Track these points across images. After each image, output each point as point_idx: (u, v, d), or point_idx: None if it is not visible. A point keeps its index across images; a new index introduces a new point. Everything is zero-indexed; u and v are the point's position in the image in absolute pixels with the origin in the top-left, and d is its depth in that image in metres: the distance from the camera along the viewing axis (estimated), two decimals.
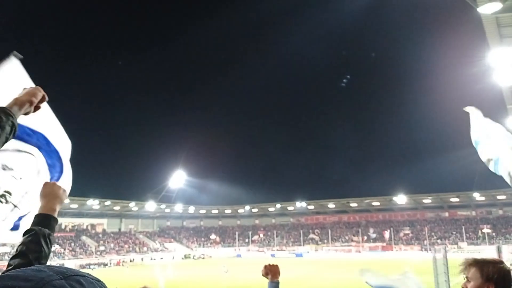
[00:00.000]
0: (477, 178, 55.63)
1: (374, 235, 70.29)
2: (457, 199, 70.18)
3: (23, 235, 1.46)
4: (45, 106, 1.89)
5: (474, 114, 5.03)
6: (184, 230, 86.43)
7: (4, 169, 2.18)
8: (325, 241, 72.95)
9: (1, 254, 47.94)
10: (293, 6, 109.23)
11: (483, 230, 63.11)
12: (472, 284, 2.00)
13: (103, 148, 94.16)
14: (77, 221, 68.78)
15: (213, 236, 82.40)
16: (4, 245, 52.57)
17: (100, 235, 69.55)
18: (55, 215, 1.59)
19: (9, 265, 1.35)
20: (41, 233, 1.45)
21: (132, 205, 72.94)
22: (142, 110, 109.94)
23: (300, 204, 78.95)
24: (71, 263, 50.53)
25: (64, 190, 1.71)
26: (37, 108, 1.64)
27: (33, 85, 2.09)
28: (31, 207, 2.25)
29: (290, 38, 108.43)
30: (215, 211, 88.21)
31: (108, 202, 68.78)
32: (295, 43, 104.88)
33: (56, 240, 43.03)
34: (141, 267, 53.52)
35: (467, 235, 64.18)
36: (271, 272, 2.73)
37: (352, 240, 71.52)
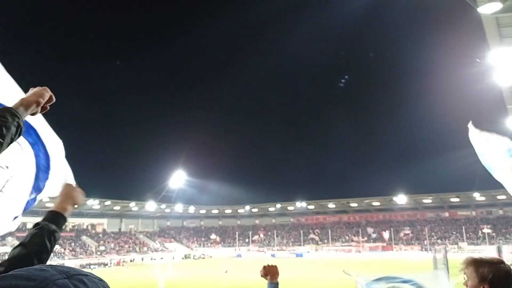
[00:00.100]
0: (477, 178, 55.59)
1: (374, 235, 70.28)
2: (457, 199, 70.20)
3: (32, 228, 1.50)
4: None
5: (473, 133, 5.01)
6: (184, 230, 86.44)
7: None
8: (325, 241, 72.95)
9: (1, 254, 48.07)
10: (293, 6, 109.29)
11: (483, 230, 63.12)
12: (470, 283, 2.03)
13: (103, 148, 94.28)
14: (77, 221, 68.82)
15: (213, 236, 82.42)
16: (4, 245, 52.68)
17: (100, 235, 69.58)
18: (66, 214, 1.64)
19: (9, 255, 1.37)
20: (46, 228, 1.48)
21: (132, 205, 72.97)
22: (142, 110, 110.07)
23: (300, 204, 78.97)
24: (71, 263, 50.53)
25: (80, 192, 1.76)
26: (44, 108, 1.62)
27: (16, 85, 2.07)
28: (18, 190, 2.21)
29: (290, 38, 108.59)
30: (215, 211, 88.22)
31: (108, 202, 68.82)
32: (295, 43, 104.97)
33: None
34: (141, 267, 53.54)
35: (467, 235, 64.19)
36: (270, 272, 2.71)
37: (352, 240, 71.51)
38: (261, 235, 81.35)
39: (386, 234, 67.93)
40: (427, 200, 72.76)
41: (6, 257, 1.39)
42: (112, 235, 71.18)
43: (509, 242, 53.89)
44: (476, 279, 1.99)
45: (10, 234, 56.58)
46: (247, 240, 79.63)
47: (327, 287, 31.05)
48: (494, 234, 61.98)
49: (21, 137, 2.28)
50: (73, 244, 61.71)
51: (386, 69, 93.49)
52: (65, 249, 58.32)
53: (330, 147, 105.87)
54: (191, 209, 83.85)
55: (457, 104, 62.07)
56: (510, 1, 10.79)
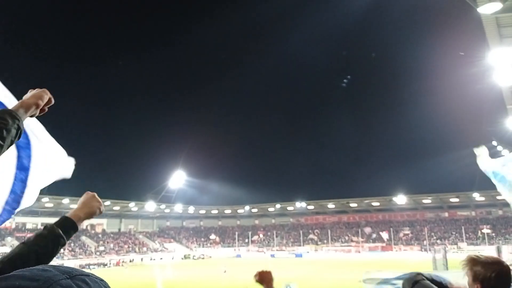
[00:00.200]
0: (477, 179, 55.60)
1: (374, 235, 70.29)
2: (457, 199, 70.21)
3: (40, 229, 1.50)
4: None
5: (481, 155, 4.99)
6: (184, 230, 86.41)
7: None
8: (325, 241, 72.95)
9: (1, 254, 48.01)
10: (293, 6, 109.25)
11: (482, 231, 63.14)
12: (467, 281, 2.07)
13: (103, 148, 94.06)
14: None
15: (212, 236, 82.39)
16: (3, 245, 52.63)
17: (100, 235, 69.53)
18: (79, 223, 1.60)
19: (10, 252, 1.36)
20: (52, 231, 1.46)
21: (132, 205, 72.91)
22: (142, 110, 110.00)
23: (300, 204, 78.95)
24: (71, 263, 50.48)
25: (99, 203, 1.71)
26: (43, 111, 1.63)
27: (8, 93, 2.06)
28: None
29: (290, 38, 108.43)
30: (214, 211, 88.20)
31: (107, 202, 68.67)
32: (296, 43, 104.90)
33: None
34: (141, 267, 53.52)
35: (467, 235, 64.22)
36: (265, 279, 2.59)
37: (352, 240, 71.52)
38: (261, 235, 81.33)
39: (385, 234, 67.97)
40: (427, 200, 72.77)
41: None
42: (112, 235, 71.12)
43: (508, 242, 53.95)
44: (470, 277, 2.03)
45: (10, 234, 56.54)
46: (246, 240, 79.60)
47: (327, 287, 31.04)
48: (493, 234, 62.02)
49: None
50: (72, 244, 61.63)
51: (386, 69, 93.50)
52: (64, 249, 58.28)
53: (330, 147, 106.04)
54: (191, 209, 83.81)
55: (457, 104, 62.18)
56: (510, 1, 10.79)
